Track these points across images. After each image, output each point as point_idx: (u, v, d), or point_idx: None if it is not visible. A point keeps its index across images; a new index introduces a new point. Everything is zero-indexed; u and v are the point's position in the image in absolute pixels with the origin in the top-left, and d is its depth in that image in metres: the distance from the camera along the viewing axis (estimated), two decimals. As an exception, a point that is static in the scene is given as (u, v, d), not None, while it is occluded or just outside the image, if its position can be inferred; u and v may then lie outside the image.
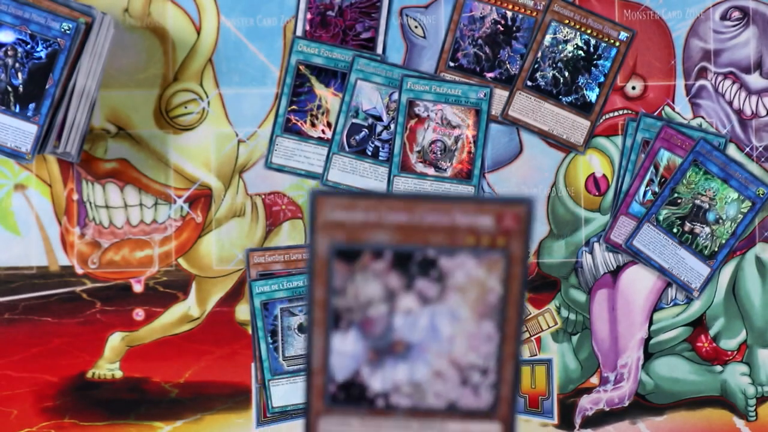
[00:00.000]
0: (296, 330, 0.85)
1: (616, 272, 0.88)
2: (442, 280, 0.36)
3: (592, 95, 0.87)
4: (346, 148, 0.87)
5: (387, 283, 0.36)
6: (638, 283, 0.88)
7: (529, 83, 0.87)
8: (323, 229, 0.36)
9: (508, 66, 0.88)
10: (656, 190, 0.87)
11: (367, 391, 0.37)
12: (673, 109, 0.88)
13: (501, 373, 0.37)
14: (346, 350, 0.37)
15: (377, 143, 0.87)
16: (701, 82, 0.88)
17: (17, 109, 0.78)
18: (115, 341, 0.87)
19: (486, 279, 0.36)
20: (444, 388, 0.37)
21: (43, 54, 0.78)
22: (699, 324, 0.89)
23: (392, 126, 0.87)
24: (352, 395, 0.37)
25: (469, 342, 0.36)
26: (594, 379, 0.88)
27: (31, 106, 0.78)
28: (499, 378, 0.37)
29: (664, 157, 0.87)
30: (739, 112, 0.88)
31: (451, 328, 0.36)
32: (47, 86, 0.78)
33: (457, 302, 0.36)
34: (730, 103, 0.88)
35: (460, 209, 0.35)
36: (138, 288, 0.87)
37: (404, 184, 0.86)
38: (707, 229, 0.86)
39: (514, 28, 0.88)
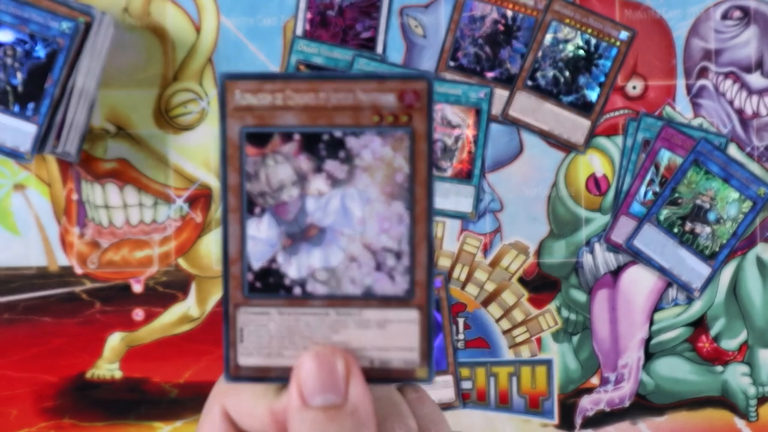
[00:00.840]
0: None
1: (616, 272, 0.88)
2: (350, 160, 0.36)
3: (592, 95, 0.87)
4: (346, 148, 0.86)
5: (297, 165, 0.36)
6: (639, 283, 0.88)
7: (529, 83, 0.87)
8: (233, 114, 0.36)
9: (508, 66, 0.88)
10: (657, 190, 0.87)
11: (284, 279, 0.37)
12: (674, 109, 0.88)
13: (414, 255, 0.36)
14: (261, 236, 0.36)
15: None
16: (702, 81, 0.88)
17: (16, 109, 0.78)
18: (115, 341, 0.87)
19: (392, 158, 0.36)
20: (359, 274, 0.37)
21: (42, 53, 0.78)
22: (700, 324, 0.88)
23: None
24: (270, 285, 0.37)
25: (380, 224, 0.36)
26: (594, 380, 0.88)
27: (31, 105, 0.78)
28: (413, 261, 0.36)
29: (665, 156, 0.87)
30: (740, 112, 0.88)
31: (361, 210, 0.36)
32: (46, 86, 0.78)
33: (366, 183, 0.36)
34: (731, 103, 0.88)
35: (362, 88, 0.36)
36: (138, 288, 0.87)
37: (404, 183, 0.86)
38: (708, 229, 0.86)
39: (515, 28, 0.87)
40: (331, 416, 0.34)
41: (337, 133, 0.36)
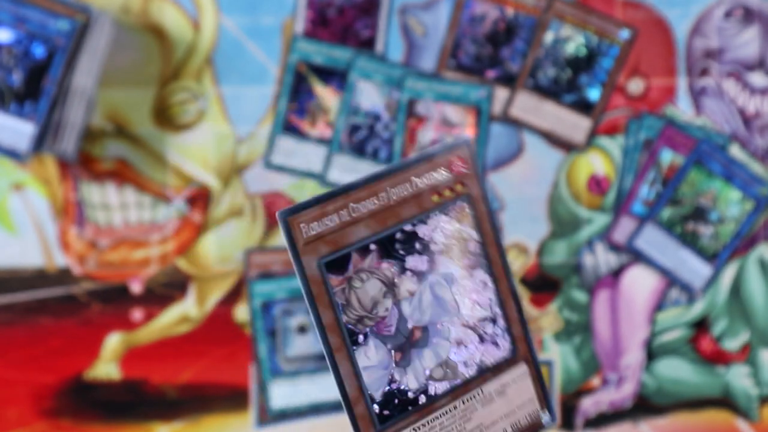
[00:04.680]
0: (296, 330, 0.85)
1: (618, 272, 0.88)
2: (427, 248, 0.37)
3: (594, 94, 0.87)
4: (346, 148, 0.86)
5: (382, 275, 0.37)
6: (640, 283, 0.88)
7: (530, 82, 0.87)
8: (306, 250, 0.36)
9: (509, 65, 0.87)
10: (659, 189, 0.86)
11: (408, 394, 0.37)
12: (676, 108, 0.87)
13: (506, 313, 0.38)
14: (373, 363, 0.37)
15: (377, 143, 0.86)
16: (704, 80, 0.87)
17: (15, 108, 0.78)
18: (114, 342, 0.87)
19: (460, 230, 0.38)
20: (467, 354, 0.38)
21: (40, 52, 0.78)
22: (702, 325, 0.88)
23: (393, 125, 0.86)
24: (396, 406, 0.37)
25: (471, 297, 0.38)
26: (596, 380, 0.88)
27: (29, 104, 0.78)
28: (507, 320, 0.38)
29: (667, 156, 0.86)
30: (742, 111, 0.87)
31: (450, 292, 0.38)
32: (45, 85, 0.78)
33: (446, 264, 0.38)
34: (734, 102, 0.87)
35: (415, 173, 0.37)
36: (136, 288, 0.87)
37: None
38: (710, 230, 0.86)
39: (516, 27, 0.87)
40: None
41: (408, 227, 0.37)
